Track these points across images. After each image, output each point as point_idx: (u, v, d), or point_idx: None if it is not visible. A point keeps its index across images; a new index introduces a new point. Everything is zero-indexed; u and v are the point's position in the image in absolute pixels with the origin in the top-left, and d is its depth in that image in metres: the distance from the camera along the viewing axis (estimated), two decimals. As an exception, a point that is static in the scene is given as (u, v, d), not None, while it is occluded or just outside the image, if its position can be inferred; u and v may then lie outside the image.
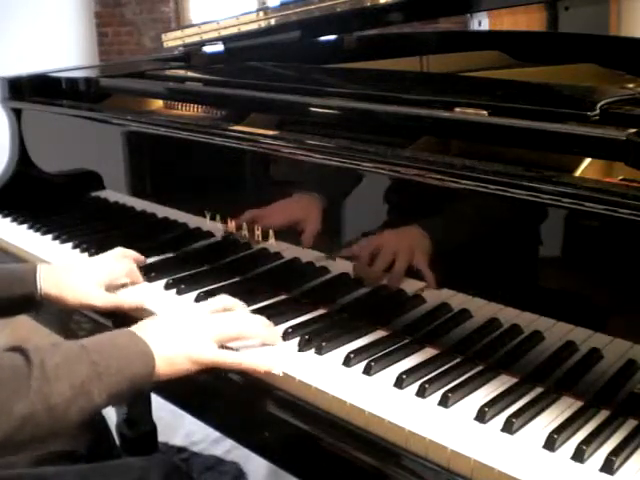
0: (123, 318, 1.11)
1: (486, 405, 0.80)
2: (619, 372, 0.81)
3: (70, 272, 1.11)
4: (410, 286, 0.98)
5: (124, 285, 1.16)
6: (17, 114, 1.65)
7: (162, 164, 1.38)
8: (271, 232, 1.13)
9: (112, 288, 1.14)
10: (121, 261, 1.17)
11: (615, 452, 0.72)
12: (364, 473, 0.81)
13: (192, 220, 1.29)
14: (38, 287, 1.06)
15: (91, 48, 5.18)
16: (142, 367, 0.86)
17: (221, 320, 0.95)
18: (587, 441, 0.73)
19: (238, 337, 0.95)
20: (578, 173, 0.83)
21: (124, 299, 1.11)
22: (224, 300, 1.01)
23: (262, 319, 0.99)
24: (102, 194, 1.50)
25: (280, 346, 0.96)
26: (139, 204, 1.41)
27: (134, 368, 0.85)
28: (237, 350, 0.95)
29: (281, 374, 0.90)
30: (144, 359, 0.86)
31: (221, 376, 0.95)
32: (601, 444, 0.74)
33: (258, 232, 1.14)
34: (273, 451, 0.95)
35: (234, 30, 1.59)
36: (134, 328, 0.91)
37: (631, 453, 0.73)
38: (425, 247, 0.94)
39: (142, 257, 1.21)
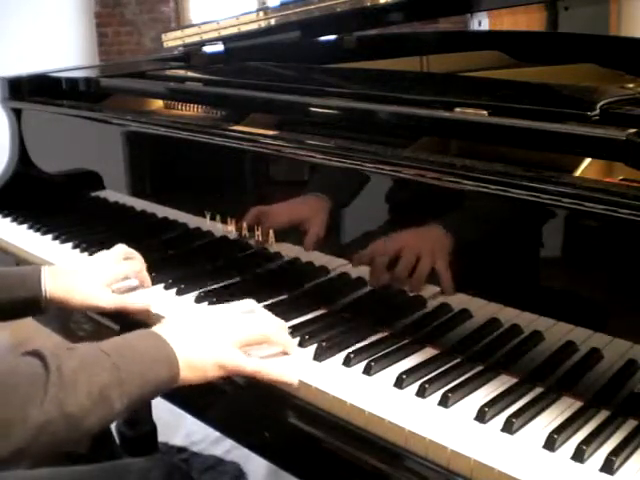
0: (129, 319, 1.11)
1: (486, 405, 0.80)
2: (619, 372, 0.81)
3: (75, 274, 1.10)
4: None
5: (134, 288, 1.16)
6: (17, 114, 1.65)
7: (162, 164, 1.38)
8: (271, 232, 1.13)
9: (120, 290, 1.13)
10: (125, 261, 1.16)
11: (615, 452, 0.72)
12: (364, 473, 0.81)
13: (192, 220, 1.28)
14: (43, 290, 1.05)
15: (91, 48, 5.18)
16: (166, 372, 0.83)
17: (245, 323, 0.92)
18: (587, 441, 0.73)
19: (262, 341, 0.92)
20: (578, 173, 0.83)
21: (130, 300, 1.10)
22: (245, 304, 0.97)
23: (281, 322, 0.96)
24: (102, 194, 1.50)
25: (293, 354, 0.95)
26: (139, 204, 1.41)
27: (157, 373, 0.82)
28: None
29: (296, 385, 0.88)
30: (168, 364, 0.83)
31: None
32: (601, 444, 0.74)
33: (258, 232, 1.14)
34: (273, 451, 0.95)
35: (234, 30, 1.59)
36: (156, 329, 0.88)
37: (631, 453, 0.73)
38: (425, 248, 0.94)
39: (142, 260, 1.20)
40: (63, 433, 0.75)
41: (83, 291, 1.07)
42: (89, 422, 0.77)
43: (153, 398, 0.85)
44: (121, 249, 1.17)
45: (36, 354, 0.78)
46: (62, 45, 4.84)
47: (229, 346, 0.88)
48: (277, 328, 0.94)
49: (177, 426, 2.07)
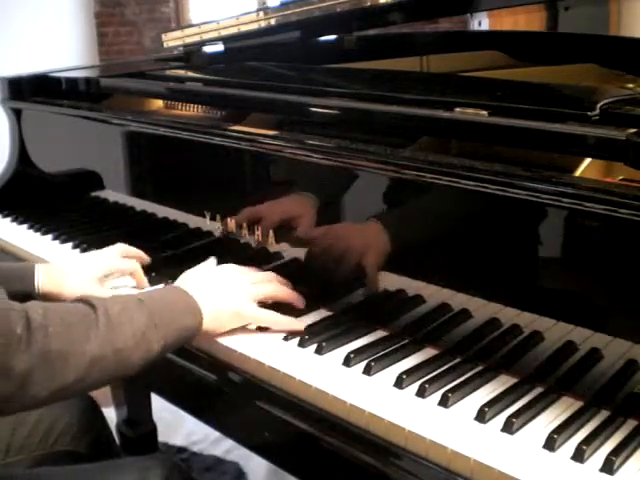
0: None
1: (486, 405, 0.80)
2: (619, 372, 0.81)
3: (67, 270, 1.11)
4: (410, 286, 0.98)
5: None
6: (17, 114, 1.65)
7: (162, 164, 1.38)
8: (271, 232, 1.13)
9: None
10: (123, 259, 1.17)
11: (615, 452, 0.72)
12: (364, 473, 0.81)
13: (192, 220, 1.29)
14: (36, 286, 1.07)
15: (91, 48, 5.17)
16: (192, 320, 0.93)
17: (258, 279, 1.03)
18: (587, 441, 0.73)
19: (271, 297, 1.02)
20: (578, 173, 0.83)
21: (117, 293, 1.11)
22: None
23: (283, 280, 1.06)
24: (102, 194, 1.50)
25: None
26: (139, 204, 1.41)
27: (184, 321, 0.92)
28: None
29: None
30: (193, 313, 0.94)
31: (221, 375, 0.95)
32: (601, 444, 0.74)
33: (258, 232, 1.14)
34: (273, 451, 0.95)
35: (234, 30, 1.58)
36: (179, 283, 1.00)
37: (631, 453, 0.73)
38: (425, 247, 0.94)
39: (145, 256, 1.21)
40: (112, 369, 0.84)
41: (74, 287, 1.09)
42: (134, 360, 0.86)
43: (181, 345, 0.94)
44: (120, 247, 1.19)
45: (84, 300, 0.88)
46: (62, 45, 4.83)
47: (245, 298, 0.99)
48: (282, 285, 1.05)
49: (177, 426, 2.07)
